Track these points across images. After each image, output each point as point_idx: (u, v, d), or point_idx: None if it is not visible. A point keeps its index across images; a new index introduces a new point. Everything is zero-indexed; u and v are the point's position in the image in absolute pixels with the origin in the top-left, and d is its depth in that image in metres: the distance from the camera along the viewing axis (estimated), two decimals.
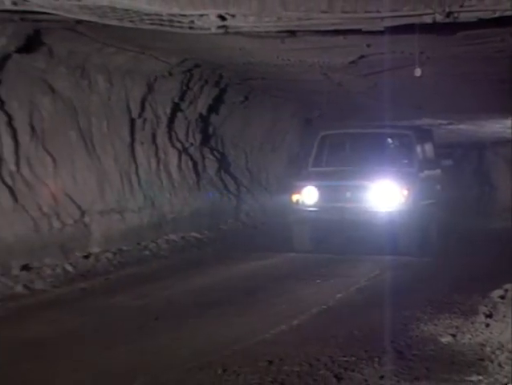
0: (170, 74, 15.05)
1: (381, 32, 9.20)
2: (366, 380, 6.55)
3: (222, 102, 18.36)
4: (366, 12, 8.29)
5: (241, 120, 19.71)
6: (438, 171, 16.58)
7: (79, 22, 9.82)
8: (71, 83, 13.43)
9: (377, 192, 13.86)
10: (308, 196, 14.19)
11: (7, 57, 11.63)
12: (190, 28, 9.04)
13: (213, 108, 18.05)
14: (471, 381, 6.49)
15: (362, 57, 12.91)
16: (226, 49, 12.50)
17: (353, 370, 6.84)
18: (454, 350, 7.52)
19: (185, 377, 6.70)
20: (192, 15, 8.44)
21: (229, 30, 9.13)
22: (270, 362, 7.09)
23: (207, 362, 7.13)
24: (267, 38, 10.69)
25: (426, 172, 15.20)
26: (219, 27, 8.83)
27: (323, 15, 8.42)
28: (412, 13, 8.28)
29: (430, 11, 8.19)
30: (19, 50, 11.59)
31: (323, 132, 16.03)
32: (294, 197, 14.28)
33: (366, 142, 16.17)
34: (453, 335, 8.02)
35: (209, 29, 8.94)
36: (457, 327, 8.38)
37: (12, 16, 9.63)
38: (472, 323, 8.47)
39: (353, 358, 7.20)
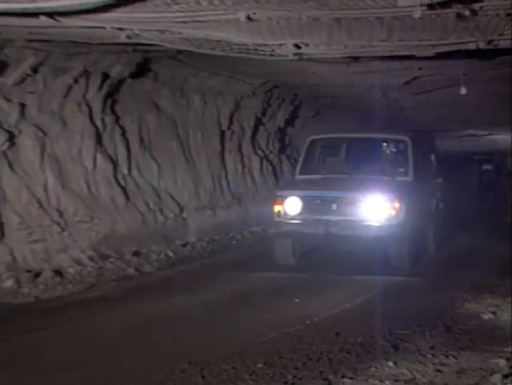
0: (254, 93, 15.10)
1: (432, 57, 9.12)
2: (419, 350, 6.50)
3: (297, 116, 18.35)
4: (419, 40, 8.21)
5: (313, 132, 19.64)
6: (439, 180, 13.46)
7: (179, 51, 9.91)
8: (172, 102, 13.58)
9: (365, 204, 10.65)
10: (291, 207, 10.91)
11: (122, 81, 11.82)
12: (271, 55, 9.07)
13: (289, 122, 18.06)
14: (508, 352, 6.38)
15: (415, 78, 12.80)
16: (300, 72, 12.49)
17: (408, 342, 6.79)
18: (494, 326, 7.43)
19: (267, 346, 6.71)
20: (273, 44, 8.46)
21: (303, 57, 9.13)
22: (338, 334, 7.07)
23: (285, 333, 7.15)
24: (335, 63, 10.65)
25: (424, 181, 12.03)
26: (295, 54, 8.84)
27: (382, 43, 8.37)
28: (458, 41, 8.17)
29: (474, 39, 8.08)
30: (131, 76, 11.77)
31: (312, 136, 12.79)
32: (276, 208, 10.98)
33: (358, 148, 12.93)
34: (494, 313, 7.92)
35: (287, 56, 8.96)
36: (496, 306, 8.26)
37: (126, 48, 9.76)
38: (509, 303, 8.34)
39: (408, 332, 7.15)
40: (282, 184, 13.70)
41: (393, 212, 10.57)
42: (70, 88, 10.88)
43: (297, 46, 8.41)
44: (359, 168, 11.76)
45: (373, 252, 10.90)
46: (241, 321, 7.79)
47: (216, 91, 14.36)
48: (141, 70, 11.83)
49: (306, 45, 8.43)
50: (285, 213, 10.93)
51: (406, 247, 10.88)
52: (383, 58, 9.77)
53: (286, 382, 5.57)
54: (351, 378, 5.62)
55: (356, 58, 10.02)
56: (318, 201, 10.90)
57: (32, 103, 10.42)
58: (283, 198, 11.03)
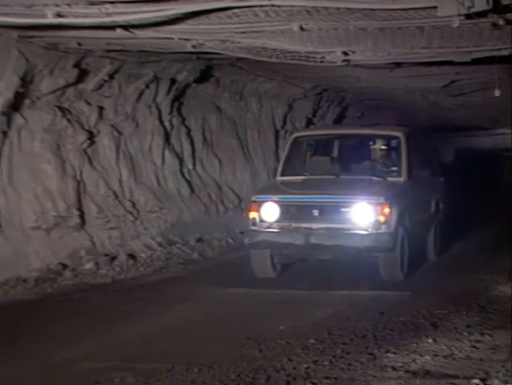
0: (305, 96, 15.05)
1: (468, 62, 9.00)
2: (456, 328, 6.43)
3: (344, 117, 18.24)
4: (457, 47, 8.10)
5: None
6: (439, 178, 11.18)
7: (238, 58, 9.91)
8: (232, 104, 13.63)
9: (350, 209, 8.55)
10: (267, 213, 8.74)
11: (187, 86, 11.90)
12: (321, 62, 9.01)
13: (337, 122, 17.91)
14: None
15: (452, 82, 12.60)
16: (348, 77, 12.40)
17: (446, 320, 6.73)
18: None
19: (317, 324, 6.72)
20: (323, 52, 8.42)
21: (351, 63, 9.07)
22: (382, 314, 7.05)
23: (333, 313, 7.16)
24: (379, 68, 10.57)
25: (420, 181, 9.80)
26: (343, 61, 8.77)
27: (423, 50, 8.28)
28: (493, 47, 8.04)
29: (507, 46, 7.95)
30: (195, 81, 11.84)
31: (296, 133, 10.73)
32: (251, 215, 8.81)
33: (346, 145, 10.57)
34: None
35: (336, 62, 8.90)
36: None
37: (191, 56, 9.82)
38: None
39: (445, 312, 7.09)
40: (258, 188, 11.08)
41: (382, 219, 8.46)
42: (142, 93, 11.01)
43: (345, 53, 8.37)
44: (347, 168, 9.80)
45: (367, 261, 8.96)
46: (293, 300, 7.80)
47: (271, 95, 14.36)
48: (204, 75, 11.89)
49: (354, 52, 8.38)
50: (261, 221, 8.77)
51: (398, 258, 8.73)
52: (423, 63, 9.67)
53: (334, 356, 5.56)
54: (395, 353, 5.58)
55: (399, 64, 9.93)
56: (297, 207, 8.85)
57: (109, 106, 10.57)
58: (259, 204, 8.86)
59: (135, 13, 6.10)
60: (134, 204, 10.85)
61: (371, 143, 9.98)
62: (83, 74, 9.72)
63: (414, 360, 5.41)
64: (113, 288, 8.58)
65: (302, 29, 6.95)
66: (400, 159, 9.52)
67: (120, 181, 10.79)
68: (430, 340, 5.98)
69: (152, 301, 7.74)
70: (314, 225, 8.60)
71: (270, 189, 9.67)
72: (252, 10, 6.33)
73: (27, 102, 9.24)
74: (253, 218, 8.81)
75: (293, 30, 6.99)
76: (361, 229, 8.50)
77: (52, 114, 9.58)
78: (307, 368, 5.27)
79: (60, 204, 9.55)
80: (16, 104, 8.99)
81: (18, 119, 9.17)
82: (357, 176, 9.47)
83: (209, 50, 8.67)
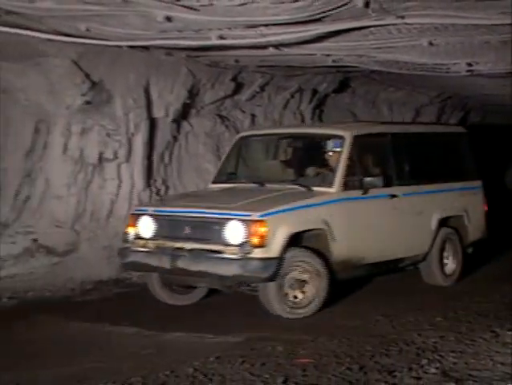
0: (431, 103, 14.72)
1: None
2: None
3: (466, 121, 17.68)
4: None
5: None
6: (443, 189, 7.81)
7: (372, 71, 9.86)
8: (365, 111, 13.43)
9: (222, 227, 6.12)
10: (143, 229, 6.56)
11: (327, 95, 11.89)
12: (446, 72, 8.84)
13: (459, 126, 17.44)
14: None
15: None
16: (470, 86, 12.01)
17: None
18: None
19: (443, 304, 6.61)
20: (448, 64, 8.27)
21: (473, 73, 8.83)
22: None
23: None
24: (500, 77, 10.16)
25: (381, 194, 6.96)
26: (467, 71, 8.58)
27: None
28: None
29: None
30: (334, 91, 11.80)
31: (242, 133, 8.22)
32: (128, 230, 6.67)
33: (292, 148, 7.87)
34: None
35: (460, 72, 8.71)
36: None
37: (331, 69, 9.83)
38: None
39: None
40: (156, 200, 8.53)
41: (256, 240, 5.96)
42: (287, 102, 11.12)
43: (469, 64, 8.16)
44: (279, 175, 7.28)
45: None
46: (416, 284, 7.64)
47: (400, 102, 14.13)
48: (342, 86, 11.85)
49: (477, 63, 8.16)
50: (137, 238, 6.56)
51: (276, 290, 6.09)
52: None
53: (460, 333, 5.48)
54: None
55: None
56: (169, 222, 6.52)
57: (260, 114, 10.77)
58: (135, 217, 6.66)
59: (285, 33, 6.19)
60: None
61: (317, 144, 7.37)
62: (238, 87, 9.94)
63: None
64: None
65: (431, 44, 6.84)
66: (337, 164, 6.81)
67: None
68: None
69: None
70: (186, 245, 6.27)
71: (160, 200, 7.82)
72: (386, 28, 6.30)
73: (193, 111, 9.61)
74: (127, 234, 6.65)
75: (422, 45, 6.90)
76: (230, 253, 6.03)
77: (213, 121, 9.92)
78: (435, 342, 5.22)
79: None
80: (184, 113, 9.37)
81: (185, 126, 9.58)
82: (285, 184, 6.92)
83: (347, 64, 8.68)
